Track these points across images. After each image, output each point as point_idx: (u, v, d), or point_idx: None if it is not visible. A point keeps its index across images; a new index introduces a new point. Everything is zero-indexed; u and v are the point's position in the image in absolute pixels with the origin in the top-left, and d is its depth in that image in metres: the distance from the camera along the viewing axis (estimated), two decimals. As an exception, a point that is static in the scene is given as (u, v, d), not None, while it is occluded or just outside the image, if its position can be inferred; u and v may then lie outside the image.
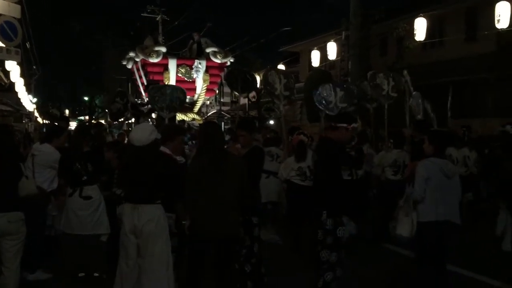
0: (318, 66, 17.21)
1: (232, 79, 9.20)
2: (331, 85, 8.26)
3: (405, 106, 9.42)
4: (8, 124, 13.02)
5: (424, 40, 13.81)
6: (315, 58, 16.19)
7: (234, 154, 4.45)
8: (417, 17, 12.27)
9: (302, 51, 25.14)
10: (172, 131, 4.67)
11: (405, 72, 9.31)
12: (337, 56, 15.62)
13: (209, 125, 4.62)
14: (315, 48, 16.32)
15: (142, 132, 4.18)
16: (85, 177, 5.19)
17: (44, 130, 6.94)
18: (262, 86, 9.36)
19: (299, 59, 26.40)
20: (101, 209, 5.27)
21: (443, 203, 4.44)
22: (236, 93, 9.59)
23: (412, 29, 12.44)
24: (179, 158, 4.72)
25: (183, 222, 4.30)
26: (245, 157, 4.53)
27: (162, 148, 4.49)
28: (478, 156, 8.45)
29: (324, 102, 7.99)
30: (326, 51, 15.39)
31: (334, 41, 15.33)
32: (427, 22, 12.64)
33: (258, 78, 10.57)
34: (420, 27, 12.11)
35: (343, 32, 15.00)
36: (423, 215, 4.48)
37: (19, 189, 4.20)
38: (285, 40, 27.22)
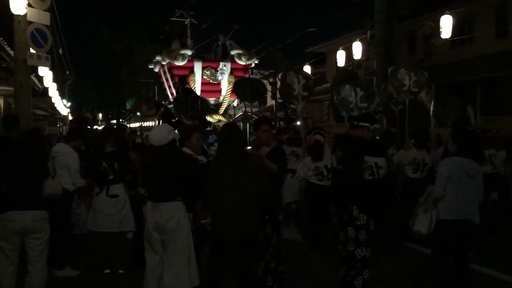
0: (345, 66, 17.15)
1: (240, 90, 9.36)
2: (350, 85, 8.25)
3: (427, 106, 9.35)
4: (40, 127, 13.49)
5: (453, 37, 13.59)
6: (341, 58, 16.14)
7: (253, 154, 4.55)
8: (443, 14, 12.08)
9: (328, 52, 25.07)
10: (188, 130, 4.78)
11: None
12: (362, 56, 15.52)
13: (228, 126, 4.69)
14: (341, 48, 16.28)
15: (161, 132, 4.28)
16: (111, 176, 5.36)
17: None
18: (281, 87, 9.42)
19: (325, 59, 26.32)
20: (127, 207, 5.43)
21: (463, 201, 4.44)
22: (247, 102, 9.67)
23: (438, 26, 12.26)
24: (200, 158, 4.78)
25: (201, 222, 4.38)
26: (267, 156, 4.62)
27: (184, 149, 4.60)
28: (507, 156, 8.29)
29: (344, 102, 8.00)
30: (351, 51, 15.33)
31: (360, 40, 15.25)
32: (455, 19, 12.43)
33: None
34: (446, 25, 11.92)
35: (368, 31, 14.89)
36: (442, 213, 4.48)
37: (44, 188, 4.31)
38: (311, 40, 27.21)
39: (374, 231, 4.44)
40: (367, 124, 4.39)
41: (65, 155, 5.44)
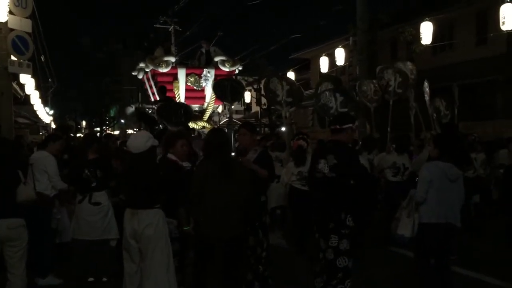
0: (328, 72, 17.28)
1: (219, 91, 9.38)
2: (330, 91, 8.33)
3: (411, 111, 9.45)
4: (22, 136, 13.34)
5: (434, 43, 13.78)
6: (324, 64, 16.25)
7: (238, 160, 4.56)
8: (423, 21, 12.27)
9: (312, 58, 25.24)
10: (171, 137, 4.78)
11: (426, 84, 9.30)
12: (345, 62, 15.66)
13: (214, 131, 4.71)
14: (324, 54, 16.41)
15: (139, 139, 4.29)
16: (94, 184, 5.31)
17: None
18: (264, 93, 9.46)
19: (309, 65, 26.51)
20: (110, 215, 5.39)
21: (444, 205, 4.51)
22: (227, 103, 9.64)
23: (419, 33, 12.44)
24: (185, 164, 4.79)
25: (184, 228, 4.39)
26: (257, 162, 4.64)
27: (169, 155, 4.59)
28: (485, 158, 8.44)
29: (325, 108, 8.07)
30: (335, 57, 15.46)
31: (343, 46, 15.39)
32: (435, 26, 12.61)
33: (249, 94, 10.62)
34: (426, 31, 12.08)
35: (351, 38, 15.04)
36: (424, 216, 4.55)
37: (17, 195, 4.28)
38: (295, 47, 27.39)
39: (358, 237, 4.47)
40: (350, 125, 4.39)
41: (42, 160, 5.44)
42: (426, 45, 12.74)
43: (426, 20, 12.18)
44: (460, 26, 17.55)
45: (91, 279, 5.40)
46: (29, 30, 8.35)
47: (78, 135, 28.42)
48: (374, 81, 9.15)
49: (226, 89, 9.17)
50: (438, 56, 18.13)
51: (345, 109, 8.01)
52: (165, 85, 11.98)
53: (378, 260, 6.21)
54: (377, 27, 13.82)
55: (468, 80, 14.88)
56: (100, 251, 5.41)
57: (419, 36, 12.44)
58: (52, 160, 5.50)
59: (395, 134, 8.66)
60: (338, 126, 4.36)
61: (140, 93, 17.34)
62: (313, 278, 4.45)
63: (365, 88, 9.11)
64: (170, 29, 23.94)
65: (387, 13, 14.35)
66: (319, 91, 9.01)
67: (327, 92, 8.15)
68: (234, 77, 13.01)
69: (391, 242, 6.41)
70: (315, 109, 8.62)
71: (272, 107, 13.67)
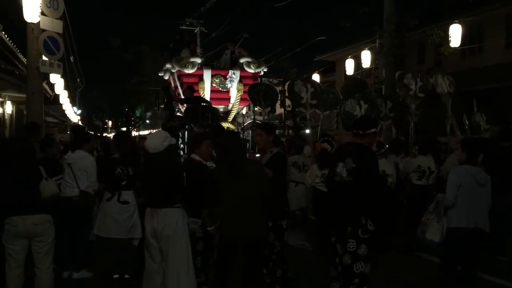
0: (354, 75, 17.19)
1: (254, 94, 9.40)
2: (354, 99, 8.26)
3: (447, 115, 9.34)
4: (52, 134, 13.63)
5: (463, 46, 13.57)
6: (350, 66, 16.17)
7: (253, 161, 4.59)
8: (452, 23, 12.10)
9: (337, 60, 25.11)
10: (198, 137, 4.82)
11: (440, 76, 9.15)
12: (371, 64, 15.54)
13: (227, 134, 4.78)
14: (350, 56, 16.32)
15: (156, 139, 4.33)
16: (124, 182, 5.36)
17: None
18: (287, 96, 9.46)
19: (335, 68, 26.37)
20: (136, 215, 5.43)
21: (473, 210, 4.46)
22: (260, 108, 9.66)
23: (447, 35, 12.26)
24: (209, 164, 4.80)
25: (208, 229, 4.42)
26: (267, 164, 4.64)
27: (193, 156, 4.64)
28: None
29: (349, 116, 8.01)
30: (360, 59, 15.36)
31: (369, 49, 15.28)
32: (464, 29, 12.43)
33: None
34: (455, 34, 11.92)
35: (377, 40, 14.92)
36: (453, 221, 4.50)
37: (40, 192, 4.35)
38: (321, 49, 27.27)
39: (380, 240, 4.41)
40: (374, 129, 4.34)
41: (81, 159, 5.55)
42: (455, 47, 12.55)
43: (455, 23, 12.00)
44: (489, 29, 17.23)
45: (116, 276, 5.48)
46: (60, 31, 8.51)
47: (104, 134, 28.84)
48: (417, 78, 9.01)
49: (260, 94, 9.21)
50: (467, 59, 17.82)
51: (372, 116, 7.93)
52: (193, 86, 12.10)
53: (401, 265, 6.15)
54: (404, 29, 13.67)
55: (496, 84, 14.61)
56: (124, 250, 5.47)
57: (448, 39, 12.27)
58: (92, 160, 5.63)
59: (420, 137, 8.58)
60: (361, 131, 4.29)
61: (158, 100, 17.50)
62: (329, 283, 4.39)
63: (406, 82, 8.94)
64: (196, 31, 24.14)
65: (414, 15, 14.21)
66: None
67: (352, 100, 8.08)
68: (259, 79, 13.05)
69: (419, 248, 6.34)
70: (340, 115, 8.54)
71: (297, 109, 13.62)
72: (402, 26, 13.42)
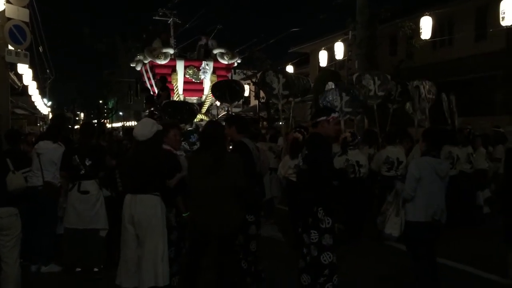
0: (327, 66, 17.27)
1: (218, 92, 9.39)
2: (337, 89, 8.30)
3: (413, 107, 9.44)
4: (20, 127, 13.30)
5: (433, 38, 13.75)
6: (323, 58, 16.24)
7: (231, 153, 4.55)
8: (423, 15, 12.25)
9: (311, 52, 25.21)
10: (165, 125, 4.77)
11: (444, 96, 9.24)
12: (344, 56, 15.64)
13: (211, 123, 4.73)
14: (323, 48, 16.38)
15: (144, 126, 4.29)
16: (82, 171, 5.27)
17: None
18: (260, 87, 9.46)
19: (309, 60, 26.47)
20: (99, 205, 5.34)
21: (433, 203, 4.38)
22: (226, 104, 9.63)
23: (419, 28, 12.42)
24: (179, 153, 4.82)
25: (183, 215, 4.43)
26: (232, 152, 4.63)
27: (164, 146, 4.61)
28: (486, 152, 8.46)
29: (329, 106, 8.03)
30: (334, 51, 15.44)
31: (342, 41, 15.37)
32: (435, 21, 12.60)
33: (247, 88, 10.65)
34: (426, 26, 12.08)
35: (350, 32, 15.01)
36: (412, 214, 4.40)
37: (7, 184, 4.28)
38: (295, 41, 27.32)
39: (344, 232, 4.40)
40: (324, 117, 4.34)
41: (51, 150, 5.51)
42: (426, 40, 12.72)
43: (426, 15, 12.15)
44: (460, 21, 17.53)
45: (78, 269, 5.41)
46: (27, 19, 8.30)
47: (76, 127, 28.38)
48: (375, 77, 9.09)
49: (225, 90, 9.19)
50: (437, 51, 18.10)
51: (350, 109, 7.97)
52: (165, 77, 11.99)
53: (371, 253, 6.23)
54: (376, 21, 13.79)
55: (466, 76, 14.90)
56: (90, 241, 5.37)
57: (419, 31, 12.42)
58: (61, 152, 5.54)
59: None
60: (311, 121, 4.42)
61: (138, 85, 17.26)
62: (298, 274, 4.37)
63: (364, 83, 9.03)
64: (169, 22, 23.82)
65: (386, 8, 14.33)
66: (326, 89, 8.94)
67: (333, 91, 8.11)
68: (233, 70, 13.02)
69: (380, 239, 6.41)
70: (319, 104, 8.53)
71: (270, 101, 13.63)
72: (374, 18, 13.53)
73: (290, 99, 8.57)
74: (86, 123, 8.12)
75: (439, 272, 4.65)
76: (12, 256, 4.39)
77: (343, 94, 8.10)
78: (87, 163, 5.28)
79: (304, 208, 4.24)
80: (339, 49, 15.14)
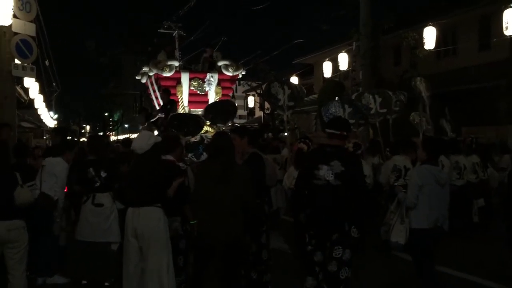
0: (331, 77, 17.33)
1: (209, 116, 9.40)
2: (339, 101, 8.35)
3: (416, 116, 9.44)
4: (27, 140, 13.36)
5: (437, 48, 13.78)
6: (327, 69, 16.31)
7: (241, 165, 4.56)
8: (427, 26, 12.30)
9: (315, 63, 25.28)
10: (174, 141, 4.91)
11: (418, 79, 9.26)
12: (348, 67, 15.70)
13: (220, 134, 4.76)
14: (327, 59, 16.45)
15: (141, 140, 4.37)
16: (97, 184, 5.29)
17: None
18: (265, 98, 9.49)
19: (313, 71, 26.54)
20: (113, 218, 5.34)
21: (435, 210, 4.49)
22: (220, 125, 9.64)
23: (422, 38, 12.46)
24: (181, 165, 4.90)
25: (191, 222, 4.47)
26: (245, 164, 4.63)
27: (167, 156, 4.67)
28: (481, 160, 8.42)
29: (331, 117, 8.05)
30: (338, 62, 15.51)
31: (346, 51, 15.44)
32: (438, 31, 12.64)
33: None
34: (429, 36, 12.12)
35: (354, 43, 15.09)
36: (416, 222, 4.51)
37: (15, 198, 4.32)
38: (299, 52, 27.43)
39: (359, 241, 4.34)
40: (351, 132, 4.39)
41: (54, 164, 5.54)
42: (430, 50, 12.75)
43: (430, 25, 12.20)
44: (463, 31, 17.55)
45: (84, 282, 5.40)
46: (33, 34, 8.38)
47: (82, 139, 28.50)
48: (376, 95, 9.09)
49: (217, 114, 9.22)
50: (441, 61, 18.12)
51: (353, 121, 8.00)
52: (169, 89, 12.04)
53: (377, 264, 6.21)
54: (380, 32, 13.85)
55: (469, 86, 14.88)
56: (102, 255, 5.36)
57: (422, 41, 12.46)
58: (65, 168, 5.59)
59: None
60: (344, 132, 4.17)
61: (142, 98, 17.43)
62: None
63: (364, 102, 9.01)
64: (174, 34, 24.01)
65: (390, 18, 14.40)
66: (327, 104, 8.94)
67: (336, 103, 8.16)
68: (237, 81, 13.06)
69: (386, 249, 6.37)
70: (322, 116, 8.52)
71: (275, 112, 13.68)
72: (378, 29, 13.60)
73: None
74: (97, 136, 8.19)
75: (442, 280, 4.66)
76: (19, 269, 4.42)
77: (346, 106, 8.13)
78: (103, 175, 5.30)
79: (328, 224, 4.05)
80: (343, 59, 15.22)
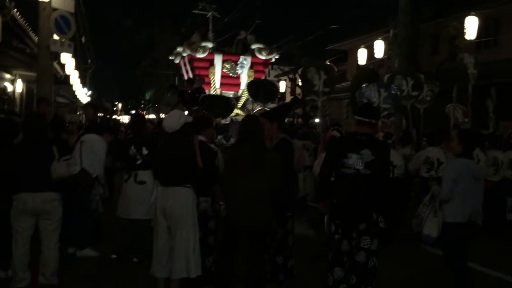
0: (366, 65, 17.01)
1: (253, 90, 9.41)
2: (376, 85, 8.19)
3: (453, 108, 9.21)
4: (62, 114, 13.67)
5: (478, 39, 13.34)
6: (362, 56, 15.97)
7: (272, 150, 4.53)
8: (468, 15, 11.88)
9: (350, 50, 24.88)
10: (205, 121, 4.91)
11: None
12: (384, 55, 15.36)
13: (250, 118, 4.73)
14: (362, 46, 16.12)
15: (172, 119, 4.37)
16: (139, 161, 5.38)
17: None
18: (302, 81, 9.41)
19: (347, 57, 26.15)
20: (154, 195, 5.45)
21: (469, 204, 4.40)
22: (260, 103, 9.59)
23: (463, 27, 12.05)
24: (212, 146, 4.90)
25: (220, 203, 4.49)
26: (274, 149, 4.61)
27: (200, 137, 4.65)
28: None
29: (366, 101, 7.92)
30: (373, 49, 15.18)
31: (382, 39, 15.09)
32: (480, 21, 12.21)
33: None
34: (471, 26, 11.70)
35: (391, 30, 14.73)
36: (450, 215, 4.42)
37: (51, 171, 4.42)
38: (332, 38, 27.03)
39: (385, 232, 4.28)
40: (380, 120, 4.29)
41: (94, 142, 5.58)
42: (470, 40, 12.34)
43: (472, 15, 11.78)
44: (506, 22, 16.93)
45: (114, 256, 5.54)
46: (72, 10, 8.51)
47: (114, 116, 28.95)
48: (408, 77, 8.95)
49: (260, 90, 9.22)
50: (482, 52, 17.55)
51: (388, 105, 7.87)
52: (201, 71, 12.06)
53: (405, 257, 6.14)
54: (419, 20, 13.47)
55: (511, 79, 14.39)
56: (141, 231, 5.45)
57: (463, 31, 12.06)
58: (104, 146, 5.66)
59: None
60: (374, 121, 4.06)
61: (176, 78, 17.49)
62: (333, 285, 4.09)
63: (396, 84, 8.85)
64: (208, 15, 23.98)
65: (430, 7, 13.99)
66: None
67: (372, 86, 8.02)
68: (270, 65, 12.97)
69: (417, 241, 6.28)
70: (356, 101, 8.41)
71: (307, 98, 13.53)
72: (417, 17, 13.22)
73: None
74: (138, 114, 8.28)
75: (472, 277, 4.56)
76: (52, 240, 4.54)
77: (382, 90, 7.98)
78: (144, 152, 5.37)
79: (357, 214, 3.99)
80: (379, 47, 14.85)
